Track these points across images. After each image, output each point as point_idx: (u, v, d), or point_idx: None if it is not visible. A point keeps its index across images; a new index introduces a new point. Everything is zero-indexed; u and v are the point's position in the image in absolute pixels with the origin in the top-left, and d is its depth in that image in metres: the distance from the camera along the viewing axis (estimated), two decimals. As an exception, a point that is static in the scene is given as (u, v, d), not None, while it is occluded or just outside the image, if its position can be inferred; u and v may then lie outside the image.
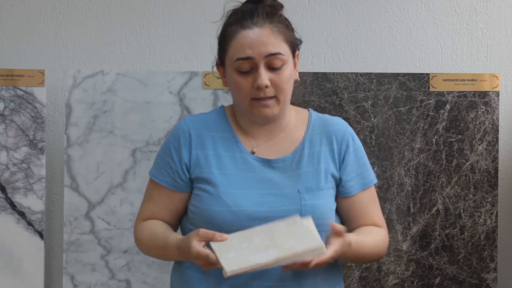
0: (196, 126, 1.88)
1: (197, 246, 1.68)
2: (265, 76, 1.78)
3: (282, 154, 1.86)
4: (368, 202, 1.90)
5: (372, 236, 1.86)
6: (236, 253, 1.64)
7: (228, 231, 1.73)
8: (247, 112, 1.85)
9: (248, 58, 1.79)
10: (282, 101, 1.82)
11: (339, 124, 1.91)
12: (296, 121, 1.91)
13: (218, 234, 1.68)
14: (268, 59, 1.79)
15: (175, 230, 1.91)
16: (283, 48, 1.80)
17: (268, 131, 1.88)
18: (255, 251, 1.64)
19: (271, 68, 1.79)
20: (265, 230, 1.70)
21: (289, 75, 1.82)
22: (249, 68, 1.79)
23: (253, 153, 1.86)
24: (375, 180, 1.92)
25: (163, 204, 1.89)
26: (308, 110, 1.95)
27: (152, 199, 1.91)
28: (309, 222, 1.71)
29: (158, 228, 1.88)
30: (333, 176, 1.86)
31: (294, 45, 1.86)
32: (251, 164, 1.85)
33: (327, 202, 1.84)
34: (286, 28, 1.84)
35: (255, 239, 1.68)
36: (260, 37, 1.79)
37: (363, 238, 1.82)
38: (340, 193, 1.88)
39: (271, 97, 1.80)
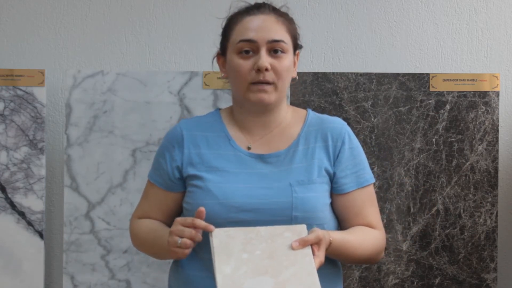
0: (189, 127, 1.93)
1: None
2: (265, 59, 1.81)
3: (277, 150, 1.88)
4: (363, 202, 1.89)
5: (360, 235, 1.84)
6: (234, 267, 1.63)
7: (219, 224, 1.73)
8: (244, 99, 1.86)
9: (250, 41, 1.82)
10: (279, 89, 1.85)
11: (336, 122, 1.92)
12: (293, 119, 1.93)
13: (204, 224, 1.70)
14: (271, 44, 1.82)
15: None
16: (286, 38, 1.85)
17: (263, 125, 1.90)
18: (252, 273, 1.63)
19: (273, 54, 1.83)
20: (269, 239, 1.68)
21: (288, 64, 1.85)
22: (251, 49, 1.83)
23: (248, 149, 1.88)
24: (372, 180, 1.91)
25: (156, 204, 1.93)
26: (306, 110, 1.96)
27: (147, 198, 1.96)
28: (303, 230, 1.70)
29: (158, 225, 1.91)
30: (327, 171, 1.87)
31: (296, 40, 1.90)
32: (244, 160, 1.87)
33: (320, 195, 1.84)
34: (290, 23, 1.89)
35: (256, 251, 1.66)
36: (264, 23, 1.84)
37: (347, 236, 1.81)
38: (335, 190, 1.88)
39: (269, 83, 1.83)
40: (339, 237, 1.78)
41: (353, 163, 1.89)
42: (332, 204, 1.89)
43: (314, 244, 1.69)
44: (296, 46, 1.91)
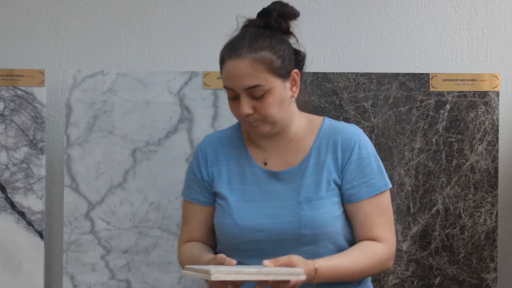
0: (212, 145, 1.98)
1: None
2: (245, 106, 1.84)
3: (291, 165, 1.91)
4: (370, 212, 1.88)
5: (354, 257, 1.85)
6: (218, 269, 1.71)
7: (236, 242, 1.87)
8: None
9: (230, 88, 1.86)
10: (271, 122, 1.88)
11: (347, 132, 1.92)
12: (306, 130, 1.94)
13: (228, 260, 1.76)
14: (248, 91, 1.84)
15: (214, 246, 2.00)
16: (264, 79, 1.84)
17: (275, 142, 1.94)
18: (238, 268, 1.71)
19: (253, 97, 1.85)
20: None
21: (273, 100, 1.85)
22: (234, 95, 1.87)
23: (265, 164, 1.93)
24: (385, 187, 1.90)
25: (197, 222, 1.99)
26: (323, 118, 1.97)
27: (187, 219, 2.02)
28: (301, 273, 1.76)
29: (194, 250, 1.96)
30: (335, 182, 1.89)
31: (283, 70, 1.87)
32: (259, 177, 1.92)
33: (328, 210, 1.86)
34: (272, 55, 1.85)
35: (245, 269, 1.74)
36: (239, 70, 1.84)
37: (337, 261, 1.83)
38: (344, 200, 1.90)
39: (258, 120, 1.87)
40: (325, 263, 1.80)
41: (361, 174, 1.88)
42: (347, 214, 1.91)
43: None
44: (286, 73, 1.88)
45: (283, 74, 1.87)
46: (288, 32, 1.93)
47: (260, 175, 1.92)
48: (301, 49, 1.95)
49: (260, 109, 1.85)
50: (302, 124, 1.95)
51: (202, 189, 1.98)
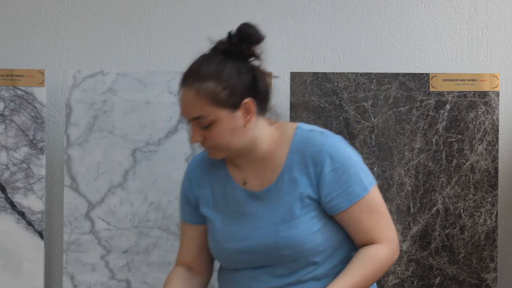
0: (196, 168, 1.99)
1: None
2: (195, 134, 1.85)
3: (268, 183, 1.89)
4: (360, 216, 1.85)
5: (355, 273, 1.82)
6: None
7: (227, 262, 1.92)
8: None
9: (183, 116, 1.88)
10: (224, 149, 1.86)
11: (315, 145, 1.86)
12: (278, 144, 1.90)
13: None
14: (195, 121, 1.84)
15: (208, 268, 2.03)
16: (207, 110, 1.81)
17: (250, 161, 1.91)
18: None
19: (201, 126, 1.84)
20: None
21: (221, 130, 1.82)
22: (188, 122, 1.87)
23: (244, 183, 1.91)
24: (364, 193, 1.85)
25: (188, 241, 2.01)
26: (296, 128, 1.91)
27: (181, 239, 2.04)
28: None
29: (168, 284, 2.00)
30: (310, 198, 1.85)
31: (230, 101, 1.82)
32: (240, 198, 1.91)
33: (305, 227, 1.84)
34: (217, 85, 1.82)
35: None
36: (184, 100, 1.85)
37: (337, 286, 1.80)
38: (328, 211, 1.87)
39: (210, 147, 1.87)
40: None
41: (338, 184, 1.84)
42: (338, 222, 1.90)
43: None
44: (236, 102, 1.82)
45: (231, 105, 1.82)
46: (251, 56, 1.86)
47: (241, 196, 1.90)
48: (266, 70, 1.89)
49: (209, 138, 1.84)
50: (274, 139, 1.90)
51: (190, 209, 1.99)
